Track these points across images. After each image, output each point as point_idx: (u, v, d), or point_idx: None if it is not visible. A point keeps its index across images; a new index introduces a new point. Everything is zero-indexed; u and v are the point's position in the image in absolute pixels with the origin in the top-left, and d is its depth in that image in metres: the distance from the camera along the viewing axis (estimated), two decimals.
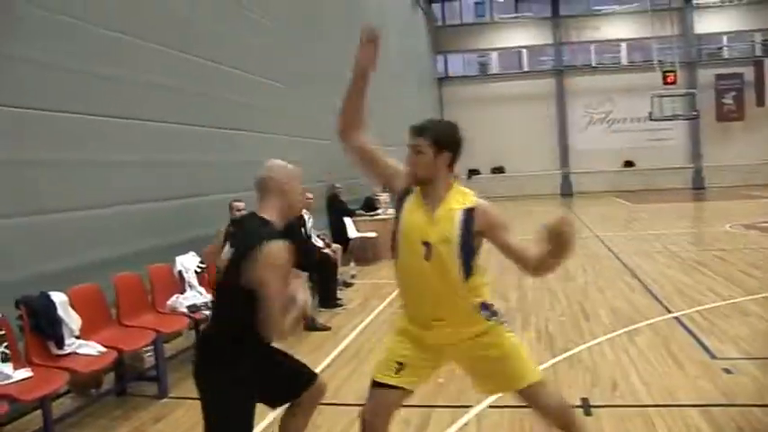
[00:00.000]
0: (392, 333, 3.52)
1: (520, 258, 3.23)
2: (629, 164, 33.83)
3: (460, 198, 3.28)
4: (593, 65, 35.06)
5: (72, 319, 5.32)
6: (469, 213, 3.24)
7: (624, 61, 34.95)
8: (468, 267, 3.25)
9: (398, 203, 3.36)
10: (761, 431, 4.48)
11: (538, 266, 3.20)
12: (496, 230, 3.25)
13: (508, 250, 3.25)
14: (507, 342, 3.39)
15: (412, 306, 3.41)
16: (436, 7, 35.27)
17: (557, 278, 10.60)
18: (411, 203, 3.30)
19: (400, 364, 3.36)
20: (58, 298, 5.29)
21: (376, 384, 3.39)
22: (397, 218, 3.36)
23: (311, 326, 7.91)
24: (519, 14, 36.07)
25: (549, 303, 8.85)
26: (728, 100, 33.08)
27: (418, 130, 3.27)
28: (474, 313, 3.33)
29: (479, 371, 3.49)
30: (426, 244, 3.22)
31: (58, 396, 5.42)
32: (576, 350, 6.59)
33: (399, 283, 3.40)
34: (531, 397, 3.42)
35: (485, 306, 3.36)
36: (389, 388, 3.35)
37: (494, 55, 36.25)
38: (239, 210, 8.29)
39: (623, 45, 34.92)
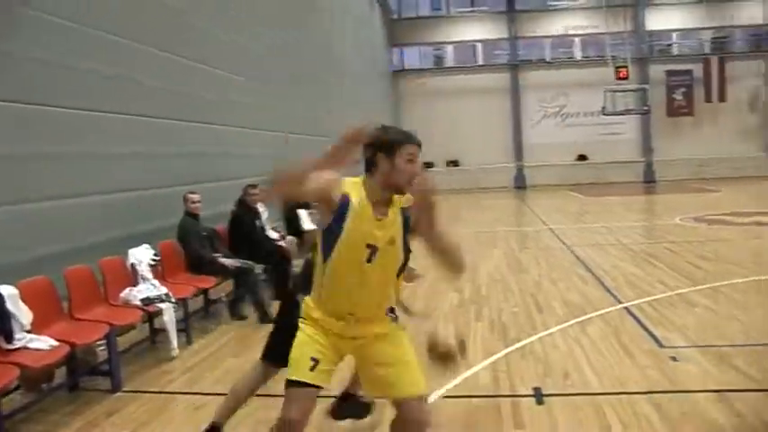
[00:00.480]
0: (303, 326, 3.42)
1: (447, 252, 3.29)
2: (582, 157, 34.30)
3: (401, 199, 3.30)
4: (548, 59, 35.45)
5: (22, 313, 5.24)
6: (406, 211, 3.29)
7: (578, 56, 35.40)
8: (404, 266, 3.36)
9: (337, 214, 3.21)
10: (704, 416, 4.62)
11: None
12: (424, 212, 3.23)
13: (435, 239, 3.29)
14: (406, 348, 3.45)
15: (332, 300, 3.37)
16: (393, 0, 35.29)
17: (510, 271, 10.75)
18: (357, 211, 3.21)
19: (315, 360, 3.32)
20: (7, 291, 5.20)
21: (293, 383, 3.31)
22: (335, 226, 3.22)
23: (265, 318, 7.89)
24: (475, 8, 36.23)
25: (503, 295, 8.95)
26: (678, 96, 33.80)
27: (419, 142, 3.30)
28: (383, 313, 3.44)
29: (373, 370, 3.46)
30: (371, 247, 3.22)
31: (8, 392, 5.31)
32: (528, 341, 6.67)
33: (325, 280, 3.33)
34: (412, 408, 3.40)
35: (391, 309, 3.48)
36: (307, 386, 3.30)
37: (449, 48, 36.39)
38: (194, 202, 8.24)
39: (577, 40, 35.36)
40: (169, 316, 6.68)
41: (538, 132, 34.54)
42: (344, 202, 3.20)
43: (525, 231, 17.05)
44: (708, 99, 33.42)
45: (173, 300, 6.84)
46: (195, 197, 8.25)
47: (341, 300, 3.34)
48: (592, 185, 31.55)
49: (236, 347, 7.08)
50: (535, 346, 6.51)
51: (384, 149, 3.20)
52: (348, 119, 20.29)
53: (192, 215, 8.25)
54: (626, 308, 7.84)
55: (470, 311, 8.09)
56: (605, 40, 32.60)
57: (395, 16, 35.48)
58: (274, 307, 8.39)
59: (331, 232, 3.23)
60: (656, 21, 34.37)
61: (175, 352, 6.72)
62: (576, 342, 6.59)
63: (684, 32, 35.12)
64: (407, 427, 3.43)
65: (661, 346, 6.30)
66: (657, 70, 33.77)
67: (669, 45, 35.70)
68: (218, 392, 5.53)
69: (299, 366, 3.33)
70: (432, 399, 5.09)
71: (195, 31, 10.17)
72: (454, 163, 34.60)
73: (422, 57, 36.72)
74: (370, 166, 3.25)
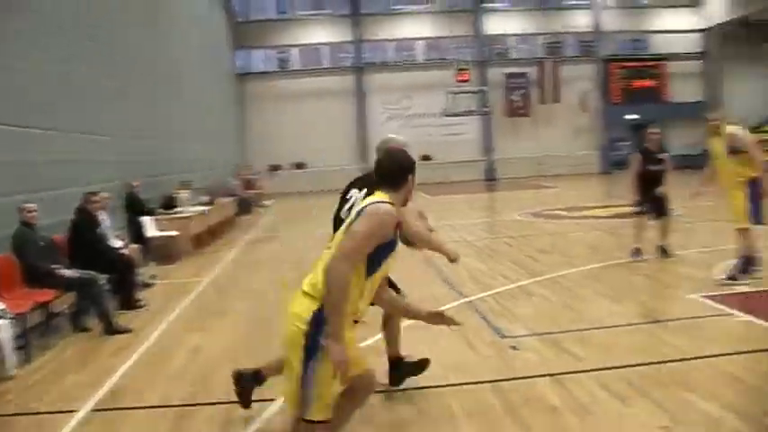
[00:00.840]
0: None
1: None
2: (426, 158, 35.15)
3: None
4: (392, 62, 36.16)
5: None
6: None
7: (421, 59, 36.32)
8: None
9: (395, 232, 3.65)
10: (542, 399, 4.93)
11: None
12: None
13: None
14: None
15: (356, 313, 3.70)
16: (238, 2, 34.89)
17: None
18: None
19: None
20: None
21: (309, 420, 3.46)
22: (392, 242, 3.63)
23: (111, 329, 7.66)
24: (320, 11, 36.41)
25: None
26: (516, 97, 35.63)
27: None
28: None
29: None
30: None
31: None
32: (375, 338, 6.76)
33: (366, 292, 3.66)
34: (368, 377, 3.81)
35: None
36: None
37: (294, 51, 36.36)
38: (30, 211, 7.88)
39: (420, 44, 36.31)
40: (5, 333, 6.34)
41: (383, 134, 34.72)
42: (399, 223, 3.66)
43: None
44: (543, 101, 35.44)
45: (9, 315, 6.49)
46: (31, 206, 7.90)
47: (361, 310, 3.72)
48: (436, 185, 32.39)
49: (79, 361, 6.81)
50: (381, 344, 6.64)
51: (413, 170, 3.73)
52: (190, 122, 19.92)
53: (27, 225, 7.88)
54: (470, 302, 8.17)
55: None
56: (447, 43, 33.75)
57: (240, 19, 35.09)
58: (119, 317, 8.19)
59: (388, 247, 3.59)
60: (495, 26, 35.91)
61: (13, 371, 6.37)
62: (421, 338, 6.77)
63: (521, 37, 36.88)
64: (363, 393, 3.83)
65: (503, 336, 6.64)
66: (496, 73, 35.41)
67: (507, 49, 37.32)
68: (62, 410, 5.33)
69: (326, 405, 3.48)
70: (276, 406, 5.08)
71: (27, 25, 9.66)
72: (301, 165, 34.65)
73: (267, 59, 36.51)
74: (400, 185, 3.68)
